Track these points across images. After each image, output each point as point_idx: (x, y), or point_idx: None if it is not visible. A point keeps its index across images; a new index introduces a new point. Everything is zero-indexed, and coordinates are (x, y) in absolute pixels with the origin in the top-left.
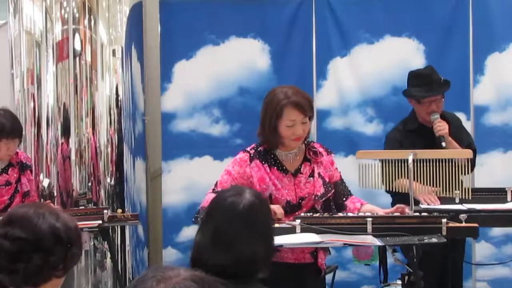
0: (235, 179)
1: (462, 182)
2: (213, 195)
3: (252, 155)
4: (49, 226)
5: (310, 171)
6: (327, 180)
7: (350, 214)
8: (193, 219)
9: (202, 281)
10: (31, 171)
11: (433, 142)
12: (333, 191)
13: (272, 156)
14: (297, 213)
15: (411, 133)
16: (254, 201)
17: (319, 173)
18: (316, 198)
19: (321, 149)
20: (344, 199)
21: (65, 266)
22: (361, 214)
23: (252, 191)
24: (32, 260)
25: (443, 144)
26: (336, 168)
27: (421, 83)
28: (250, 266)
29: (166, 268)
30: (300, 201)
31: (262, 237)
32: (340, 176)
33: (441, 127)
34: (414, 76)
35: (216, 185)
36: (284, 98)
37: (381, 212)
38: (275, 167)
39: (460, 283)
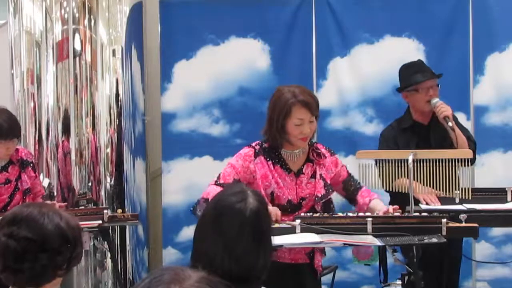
0: (239, 173)
1: (459, 179)
2: (216, 188)
3: (257, 151)
4: (55, 226)
5: (312, 172)
6: (328, 181)
7: (350, 214)
8: (191, 209)
9: (214, 284)
10: (32, 167)
11: (428, 139)
12: (333, 193)
13: (276, 154)
14: (297, 213)
15: (406, 131)
16: (259, 207)
17: (320, 175)
18: (317, 199)
19: (323, 150)
20: (356, 193)
21: (69, 265)
22: (361, 214)
23: (254, 194)
24: (38, 260)
25: (450, 124)
26: (343, 166)
27: (415, 71)
28: (260, 273)
29: (176, 269)
30: (301, 201)
31: (268, 243)
32: (348, 172)
33: (445, 108)
34: (407, 67)
35: (219, 177)
36: (292, 97)
37: (382, 210)
38: (279, 165)
39: (457, 281)
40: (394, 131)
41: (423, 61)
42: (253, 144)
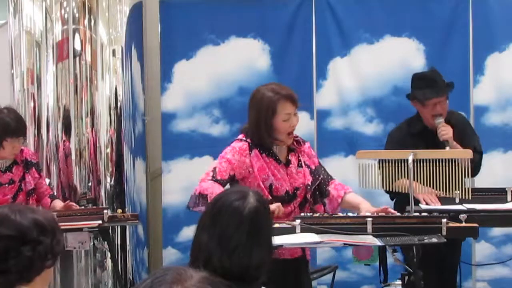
0: (235, 168)
1: (463, 183)
2: (213, 185)
3: (250, 144)
4: (29, 219)
5: (297, 161)
6: (312, 168)
7: (350, 214)
8: (187, 206)
9: (216, 284)
10: (36, 168)
11: (436, 146)
12: (320, 178)
13: (265, 147)
14: (293, 203)
15: (415, 135)
16: (258, 207)
17: (304, 162)
18: (308, 187)
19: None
20: (328, 183)
21: (53, 254)
22: (361, 214)
23: (255, 195)
24: (21, 254)
25: (448, 148)
26: (315, 156)
27: (425, 85)
28: (256, 272)
29: (178, 269)
30: (295, 191)
31: (265, 243)
32: (319, 161)
33: (445, 132)
34: (418, 79)
35: (215, 172)
36: (275, 94)
37: (366, 206)
38: (272, 157)
39: (455, 281)
40: (403, 134)
41: (436, 71)
42: (243, 138)
